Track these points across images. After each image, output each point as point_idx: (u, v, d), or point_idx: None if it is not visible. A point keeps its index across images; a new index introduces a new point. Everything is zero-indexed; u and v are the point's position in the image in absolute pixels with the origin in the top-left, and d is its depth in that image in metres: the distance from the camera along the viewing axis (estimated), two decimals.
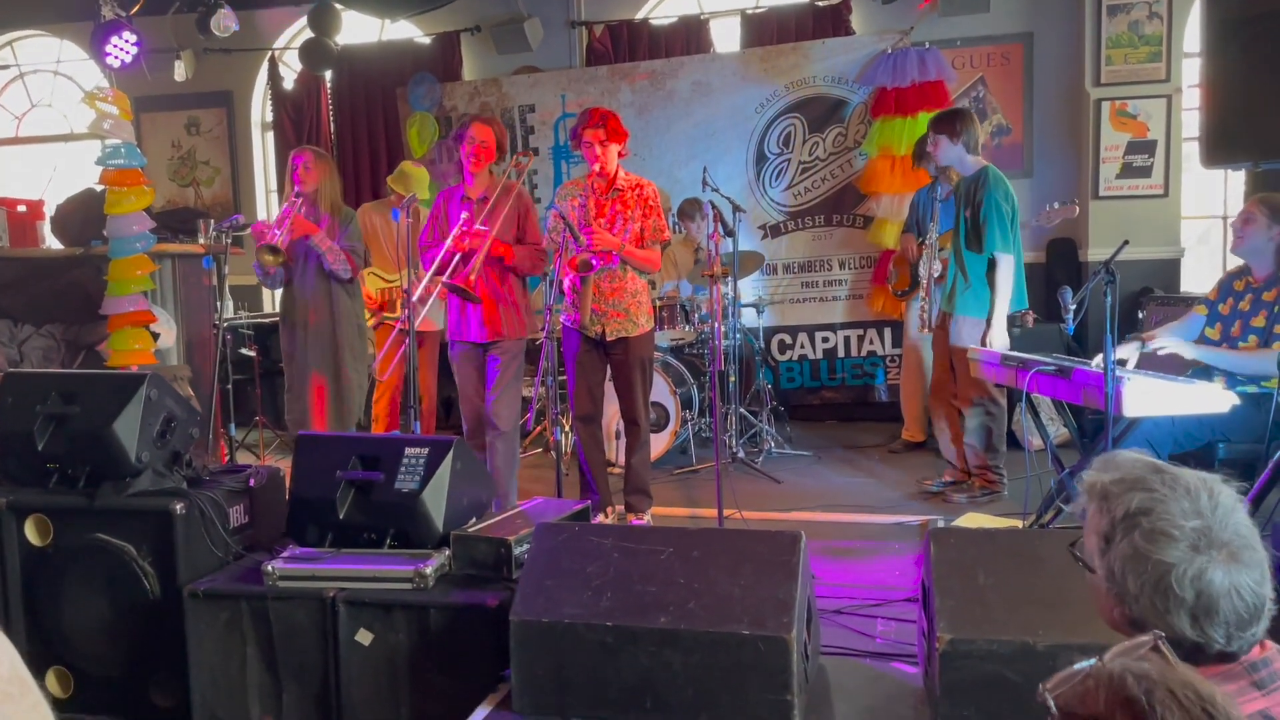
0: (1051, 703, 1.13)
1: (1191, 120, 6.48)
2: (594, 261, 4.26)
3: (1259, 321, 3.87)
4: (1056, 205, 5.62)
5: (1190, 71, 6.60)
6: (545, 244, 4.50)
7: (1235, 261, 4.12)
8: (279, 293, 4.89)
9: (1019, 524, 4.10)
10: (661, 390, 5.73)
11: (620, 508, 4.62)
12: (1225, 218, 7.09)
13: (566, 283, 4.42)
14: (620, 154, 4.42)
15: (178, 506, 2.93)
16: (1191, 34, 6.62)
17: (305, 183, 4.67)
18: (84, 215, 5.43)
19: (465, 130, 4.35)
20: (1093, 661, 1.15)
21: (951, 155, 4.86)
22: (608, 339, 4.42)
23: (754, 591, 2.51)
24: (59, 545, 3.03)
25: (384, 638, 2.76)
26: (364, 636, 2.77)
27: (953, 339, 4.87)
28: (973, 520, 4.41)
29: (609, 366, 4.54)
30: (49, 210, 5.94)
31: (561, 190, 4.61)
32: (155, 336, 5.09)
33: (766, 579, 2.54)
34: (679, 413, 5.76)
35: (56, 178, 6.43)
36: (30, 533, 3.04)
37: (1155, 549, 1.38)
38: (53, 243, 5.82)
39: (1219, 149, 2.56)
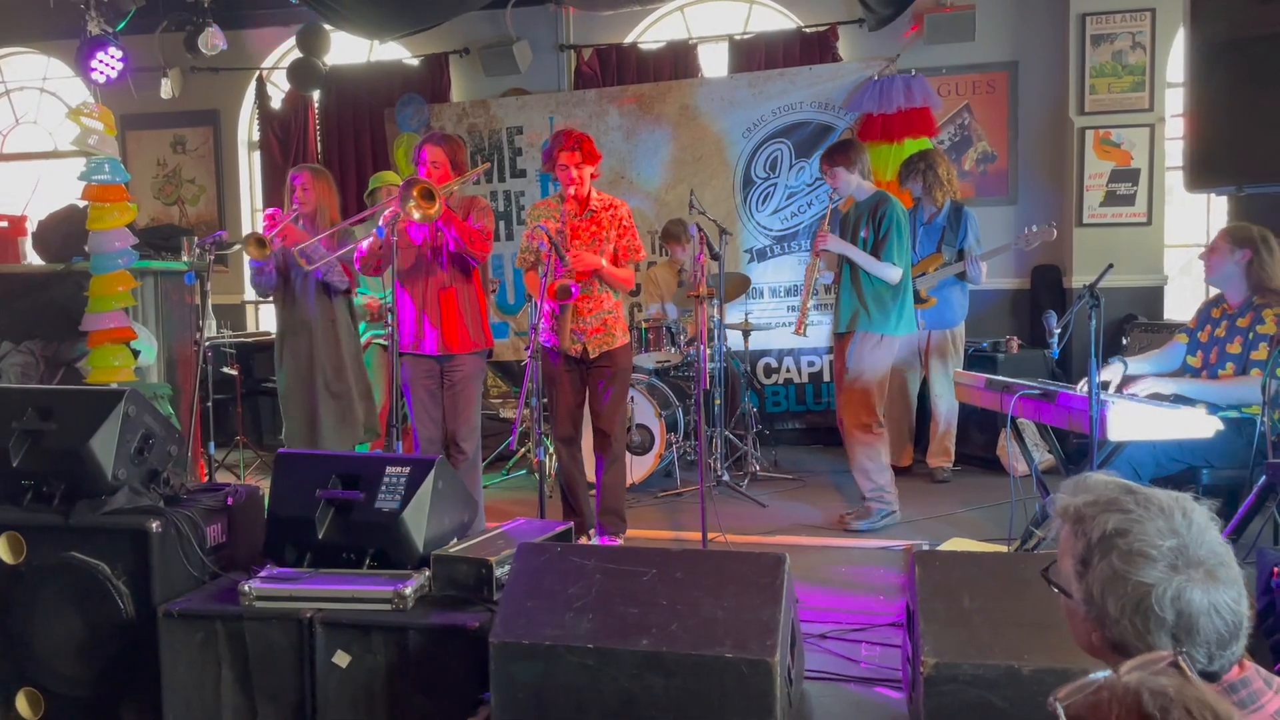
0: (1061, 712, 1.11)
1: (1174, 149, 6.54)
2: (573, 288, 4.25)
3: (1234, 348, 3.90)
4: (1034, 228, 5.68)
5: (1173, 101, 6.67)
6: (519, 262, 4.53)
7: (1216, 291, 4.15)
8: (274, 311, 4.85)
9: (1004, 549, 4.09)
10: (646, 412, 5.71)
11: (596, 531, 4.60)
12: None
13: (546, 307, 4.41)
14: (593, 175, 4.44)
15: (154, 525, 2.89)
16: (1175, 64, 6.69)
17: (305, 203, 4.68)
18: (66, 231, 5.38)
19: (420, 153, 4.37)
20: (1106, 673, 1.13)
21: (850, 184, 4.90)
22: (591, 355, 4.41)
23: (737, 614, 2.48)
24: (32, 563, 2.97)
25: (362, 659, 2.72)
26: (341, 658, 2.73)
27: (850, 357, 4.86)
28: (958, 545, 4.39)
29: (588, 387, 4.52)
30: (31, 226, 5.90)
31: (533, 210, 4.60)
32: (136, 354, 5.04)
33: (750, 601, 2.51)
34: (664, 435, 5.74)
35: (39, 194, 6.39)
36: (3, 550, 2.98)
37: (1134, 570, 1.38)
38: (34, 259, 5.77)
39: (1203, 173, 2.57)
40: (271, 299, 4.85)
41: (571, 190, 4.37)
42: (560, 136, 4.38)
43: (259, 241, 4.46)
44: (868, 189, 4.93)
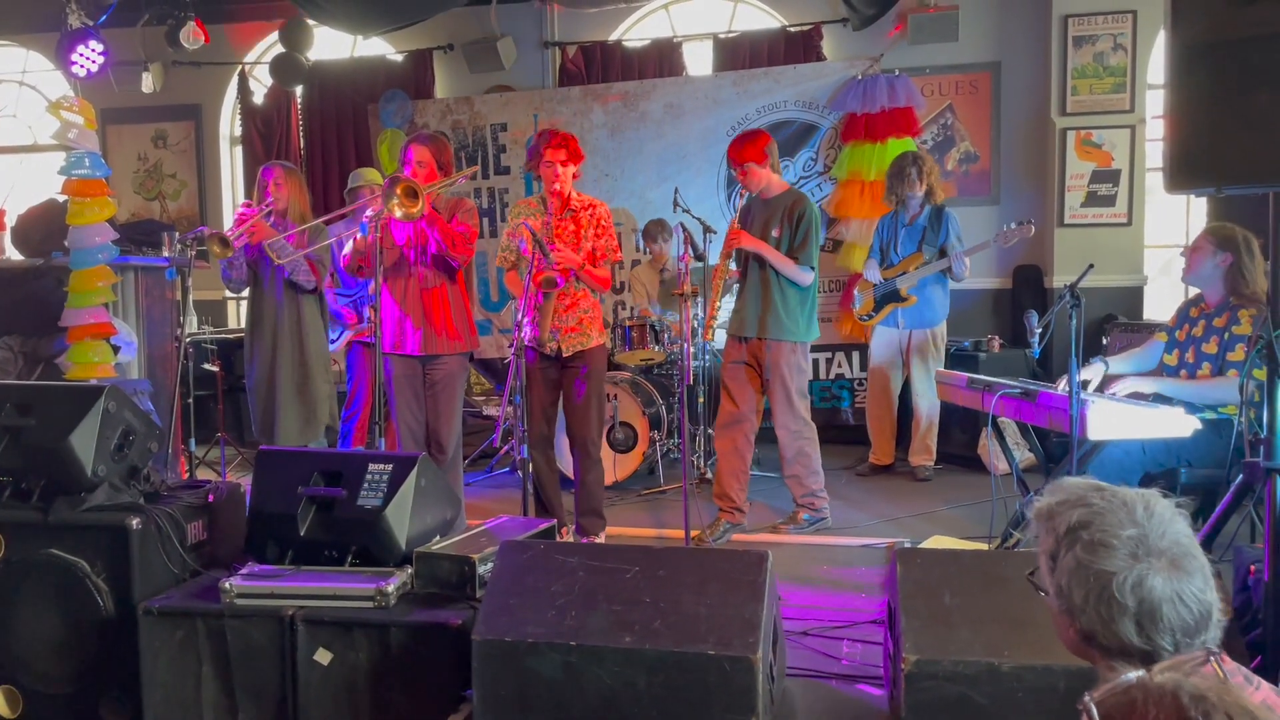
0: (1094, 710, 1.11)
1: (1155, 151, 6.59)
2: (559, 280, 4.26)
3: (1211, 348, 3.94)
4: (1014, 225, 5.71)
5: (1154, 103, 6.72)
6: (499, 261, 4.54)
7: (1195, 290, 4.19)
8: (245, 305, 4.87)
9: (985, 547, 4.12)
10: (630, 410, 5.72)
11: (572, 528, 4.60)
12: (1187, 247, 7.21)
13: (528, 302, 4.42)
14: (574, 175, 4.43)
15: (134, 522, 2.87)
16: (1155, 66, 6.74)
17: (276, 199, 4.71)
18: (46, 226, 5.35)
19: (405, 153, 4.37)
20: (1139, 673, 1.13)
21: (763, 180, 4.67)
22: (564, 354, 4.42)
23: (720, 611, 2.49)
24: (11, 560, 2.95)
25: (344, 657, 2.71)
26: (323, 656, 2.72)
27: (769, 368, 4.66)
28: (939, 542, 4.42)
29: (563, 387, 4.52)
30: (10, 220, 5.85)
31: (514, 209, 4.61)
32: (116, 350, 5.01)
33: (732, 599, 2.52)
34: (647, 433, 5.75)
35: (18, 188, 6.35)
36: None
37: (1096, 559, 1.42)
38: (13, 253, 5.72)
39: (1182, 174, 2.59)
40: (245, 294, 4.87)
41: (557, 187, 4.37)
42: (546, 134, 4.39)
43: (223, 241, 4.47)
44: (778, 185, 4.75)
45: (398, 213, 3.97)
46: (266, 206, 4.68)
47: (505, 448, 6.34)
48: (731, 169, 4.75)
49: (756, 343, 4.69)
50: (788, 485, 4.88)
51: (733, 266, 4.82)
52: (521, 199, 4.89)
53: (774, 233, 4.63)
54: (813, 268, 4.63)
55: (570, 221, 4.43)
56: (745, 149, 4.63)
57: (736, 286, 4.84)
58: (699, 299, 5.73)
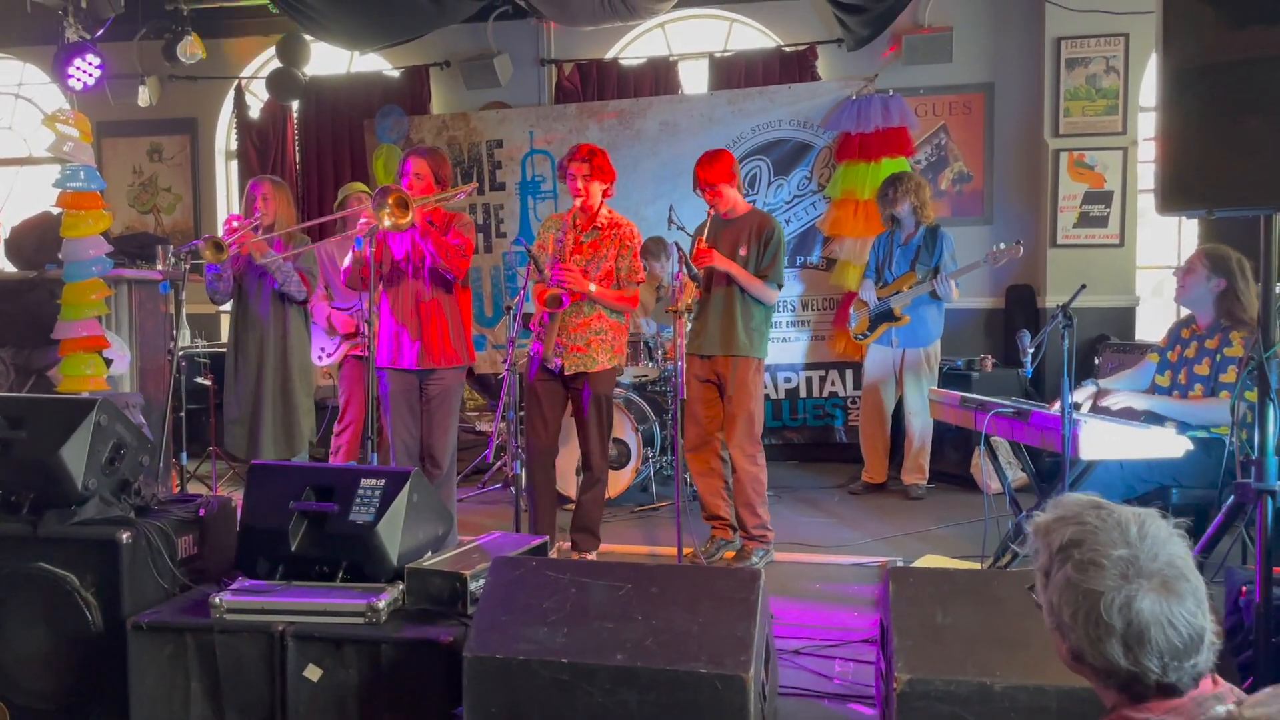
0: None
1: (1147, 172, 6.63)
2: (564, 297, 4.26)
3: (1203, 369, 3.96)
4: (1002, 246, 5.74)
5: (1146, 125, 6.77)
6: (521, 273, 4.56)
7: (1187, 311, 4.22)
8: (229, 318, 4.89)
9: (978, 566, 4.12)
10: (624, 427, 5.71)
11: (565, 545, 4.59)
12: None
13: (536, 315, 4.43)
14: (605, 193, 4.43)
15: (124, 536, 2.86)
16: (1147, 88, 6.79)
17: (265, 214, 4.73)
18: (39, 238, 5.33)
19: (404, 164, 4.40)
20: (1230, 707, 1.11)
21: (731, 199, 4.64)
22: (566, 373, 4.41)
23: (712, 629, 2.48)
24: None
25: (334, 674, 2.70)
26: (313, 672, 2.70)
27: (733, 385, 4.57)
28: (932, 561, 4.42)
29: (571, 404, 4.52)
30: (3, 233, 5.84)
31: (546, 222, 4.64)
32: (108, 362, 4.99)
33: (725, 616, 2.51)
34: (640, 450, 5.74)
35: (13, 200, 6.34)
36: None
37: (1085, 578, 1.42)
38: (6, 266, 5.71)
39: (1174, 196, 2.60)
40: (228, 306, 4.90)
41: (578, 202, 4.38)
42: (574, 148, 4.41)
43: (216, 245, 4.49)
44: (743, 205, 4.75)
45: (386, 222, 3.97)
46: (254, 221, 4.70)
47: (499, 463, 6.33)
48: (699, 189, 4.66)
49: (721, 360, 4.62)
50: (739, 514, 4.65)
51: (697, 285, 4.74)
52: (555, 213, 4.89)
53: (741, 251, 4.59)
54: (780, 285, 4.62)
55: (593, 241, 4.42)
56: (715, 168, 4.57)
57: (695, 304, 4.75)
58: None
